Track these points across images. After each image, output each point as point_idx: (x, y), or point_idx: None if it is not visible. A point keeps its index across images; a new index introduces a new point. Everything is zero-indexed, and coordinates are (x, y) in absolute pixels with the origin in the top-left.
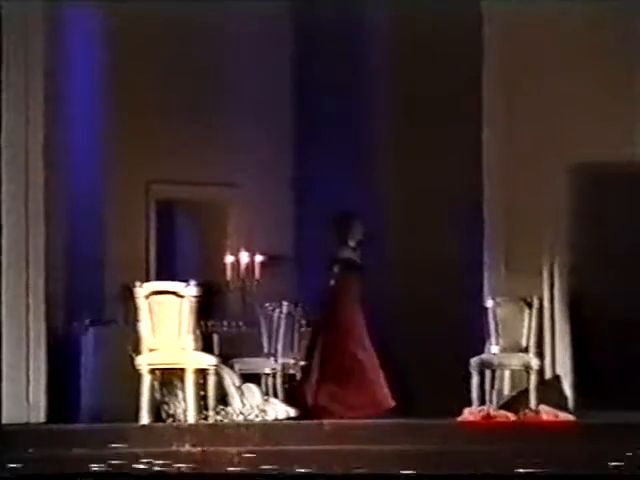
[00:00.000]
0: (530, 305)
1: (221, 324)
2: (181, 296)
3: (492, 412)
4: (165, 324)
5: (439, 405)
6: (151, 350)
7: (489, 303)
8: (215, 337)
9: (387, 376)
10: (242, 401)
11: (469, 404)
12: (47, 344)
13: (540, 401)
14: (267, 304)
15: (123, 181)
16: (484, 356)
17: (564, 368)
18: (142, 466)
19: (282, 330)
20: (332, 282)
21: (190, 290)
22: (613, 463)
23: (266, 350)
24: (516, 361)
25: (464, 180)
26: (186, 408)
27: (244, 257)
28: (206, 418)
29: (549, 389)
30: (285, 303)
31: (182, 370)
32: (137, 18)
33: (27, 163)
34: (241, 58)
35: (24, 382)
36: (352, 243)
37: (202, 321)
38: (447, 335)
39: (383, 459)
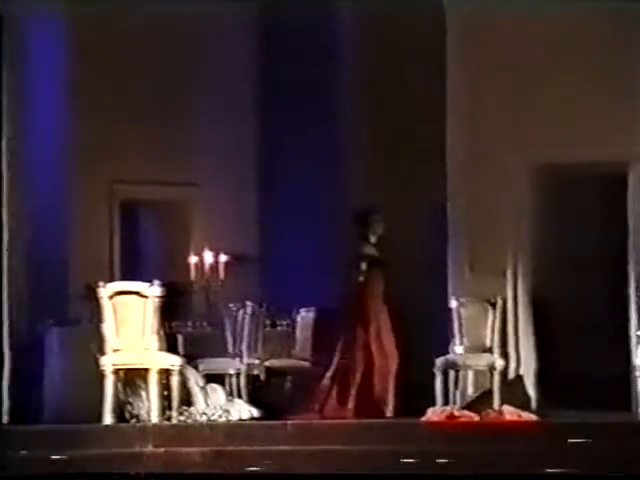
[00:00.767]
0: (494, 305)
1: (185, 324)
2: (145, 296)
3: (455, 412)
4: (129, 324)
5: (404, 405)
6: (115, 350)
7: (453, 304)
8: (179, 337)
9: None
10: (206, 401)
11: (433, 404)
12: (10, 344)
13: (503, 401)
14: (231, 304)
15: (86, 181)
16: (449, 356)
17: (527, 368)
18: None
19: (246, 330)
20: (360, 279)
21: (154, 290)
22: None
23: (230, 350)
24: (480, 361)
25: (428, 180)
26: (150, 408)
27: (208, 257)
28: (169, 418)
29: (512, 389)
30: (249, 303)
31: (146, 370)
32: (99, 20)
33: None
34: (203, 59)
35: None
36: (373, 239)
37: (166, 321)
38: (411, 335)
39: (346, 459)
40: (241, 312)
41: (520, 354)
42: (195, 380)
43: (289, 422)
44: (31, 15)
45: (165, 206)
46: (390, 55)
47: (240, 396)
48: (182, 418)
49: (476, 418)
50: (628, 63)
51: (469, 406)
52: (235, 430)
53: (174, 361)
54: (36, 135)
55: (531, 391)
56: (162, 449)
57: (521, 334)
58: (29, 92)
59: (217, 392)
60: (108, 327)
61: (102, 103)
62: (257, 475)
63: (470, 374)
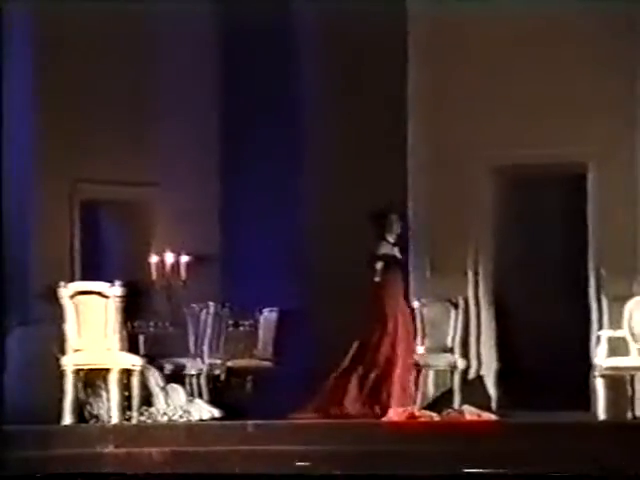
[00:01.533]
0: (456, 306)
1: (147, 324)
2: (106, 296)
3: (416, 412)
4: (90, 324)
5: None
6: (76, 350)
7: (415, 304)
8: (141, 337)
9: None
10: (166, 402)
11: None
12: None
13: (464, 401)
14: (194, 304)
15: (48, 181)
16: None
17: (488, 368)
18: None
19: (209, 330)
20: (377, 279)
21: (115, 290)
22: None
23: (192, 351)
24: (442, 361)
25: (389, 181)
26: (110, 408)
27: (170, 257)
28: (130, 419)
29: (473, 389)
30: (211, 303)
31: (107, 370)
32: (63, 17)
33: None
34: (166, 59)
35: None
36: (391, 239)
37: (128, 321)
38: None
39: (307, 459)
40: (203, 312)
41: (481, 354)
42: (156, 380)
43: (249, 422)
44: None
45: (127, 206)
46: (351, 55)
47: (201, 396)
48: (142, 418)
49: (437, 418)
50: (586, 64)
51: (430, 406)
52: (195, 430)
53: (135, 361)
54: None
55: (492, 391)
56: (122, 449)
57: (482, 334)
58: None
59: (178, 392)
60: (69, 327)
61: (65, 102)
62: (217, 475)
63: (431, 374)
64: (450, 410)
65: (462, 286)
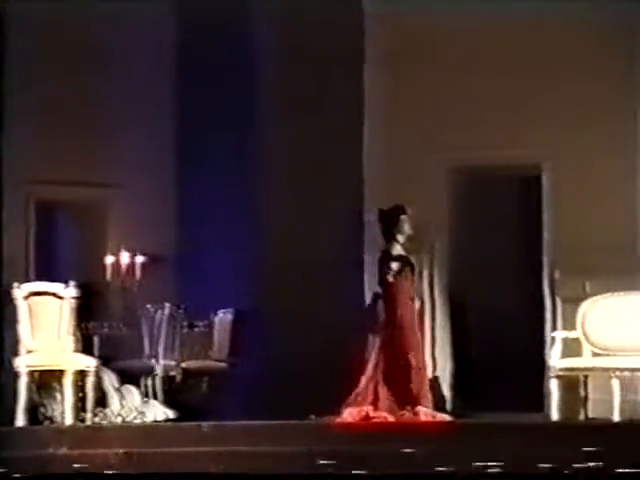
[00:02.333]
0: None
1: (102, 325)
2: (61, 297)
3: (371, 413)
4: (44, 325)
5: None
6: (30, 352)
7: None
8: (95, 338)
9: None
10: (121, 403)
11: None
12: None
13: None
14: (149, 305)
15: (2, 181)
16: None
17: (443, 369)
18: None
19: (164, 332)
20: (390, 279)
21: (70, 291)
22: (489, 463)
23: (147, 352)
24: None
25: (344, 182)
26: (64, 410)
27: (125, 258)
28: (83, 420)
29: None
30: (167, 304)
31: (61, 372)
32: (22, 15)
33: None
34: (122, 59)
35: None
36: (401, 239)
37: (82, 322)
38: (323, 336)
39: (259, 460)
40: (158, 313)
41: (436, 355)
42: (110, 381)
43: (204, 423)
44: None
45: (82, 206)
46: (308, 57)
47: (156, 397)
48: (97, 419)
49: (391, 419)
50: (545, 63)
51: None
52: (150, 431)
53: (90, 362)
54: None
55: (446, 392)
56: (76, 451)
57: (437, 335)
58: None
59: (132, 393)
60: (23, 328)
61: (19, 103)
62: (172, 476)
63: None
64: (405, 412)
65: (417, 286)
